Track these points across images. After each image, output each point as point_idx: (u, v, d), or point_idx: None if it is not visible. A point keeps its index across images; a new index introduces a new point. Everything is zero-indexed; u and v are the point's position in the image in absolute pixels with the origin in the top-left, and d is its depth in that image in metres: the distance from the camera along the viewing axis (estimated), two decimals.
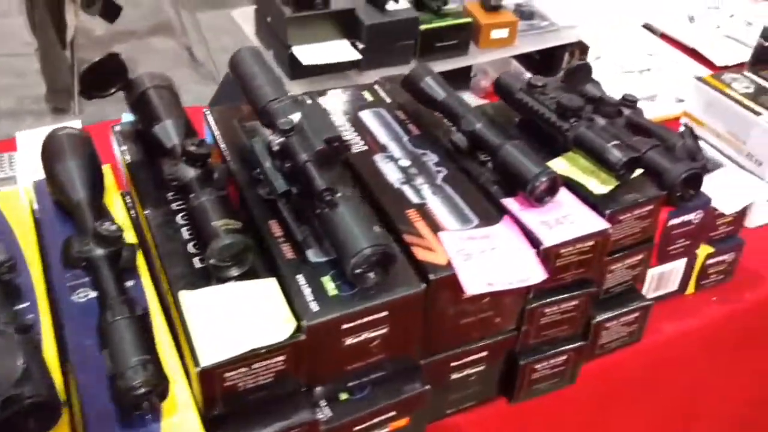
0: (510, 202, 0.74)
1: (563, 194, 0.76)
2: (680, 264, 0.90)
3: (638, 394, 0.94)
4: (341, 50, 0.97)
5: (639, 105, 0.90)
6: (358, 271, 0.60)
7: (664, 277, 0.90)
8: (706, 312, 0.94)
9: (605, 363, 0.85)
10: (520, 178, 0.73)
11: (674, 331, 0.91)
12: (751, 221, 1.07)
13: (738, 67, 1.28)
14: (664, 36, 1.58)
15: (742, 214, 0.92)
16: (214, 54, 2.90)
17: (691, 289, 0.94)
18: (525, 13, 1.19)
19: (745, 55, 1.35)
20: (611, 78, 1.41)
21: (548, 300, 0.73)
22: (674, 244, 0.86)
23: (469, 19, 1.06)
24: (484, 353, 0.74)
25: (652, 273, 0.88)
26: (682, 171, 0.81)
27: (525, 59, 1.26)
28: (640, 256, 0.81)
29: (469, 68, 1.22)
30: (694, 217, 0.85)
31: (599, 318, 0.80)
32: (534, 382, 0.79)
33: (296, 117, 0.66)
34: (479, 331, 0.72)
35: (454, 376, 0.73)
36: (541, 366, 0.78)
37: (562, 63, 1.20)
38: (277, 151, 0.65)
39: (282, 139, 0.65)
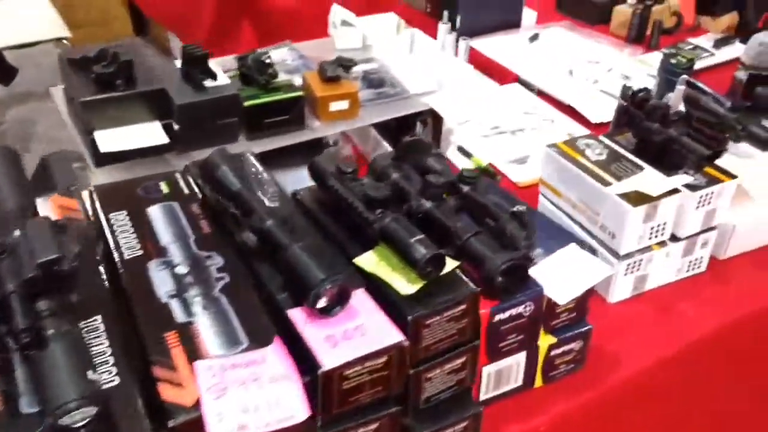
0: (296, 314, 0.65)
1: (360, 299, 0.67)
2: (520, 358, 0.82)
3: None
4: (150, 133, 0.88)
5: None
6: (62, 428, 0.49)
7: (503, 374, 0.81)
8: (554, 405, 0.85)
9: None
10: (303, 286, 0.64)
11: (519, 429, 0.83)
12: (612, 296, 1.00)
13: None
14: (541, 93, 1.54)
15: (584, 299, 0.84)
16: None
17: (539, 382, 0.86)
18: (374, 81, 1.13)
19: None
20: (479, 141, 1.36)
21: (338, 430, 0.63)
22: (505, 339, 0.78)
23: (299, 93, 0.98)
24: None
25: (489, 371, 0.80)
26: (500, 263, 0.73)
27: (383, 128, 1.20)
28: (461, 359, 0.73)
29: (319, 140, 1.14)
30: (523, 309, 0.77)
31: None
32: None
33: (16, 234, 0.56)
34: None
35: None
36: None
37: (415, 135, 1.13)
38: None
39: None
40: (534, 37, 1.74)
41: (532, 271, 0.81)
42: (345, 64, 1.16)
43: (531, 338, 0.81)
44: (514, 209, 0.84)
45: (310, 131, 1.01)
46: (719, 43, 1.76)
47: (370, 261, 0.73)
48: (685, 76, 1.27)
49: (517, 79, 1.59)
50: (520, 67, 1.62)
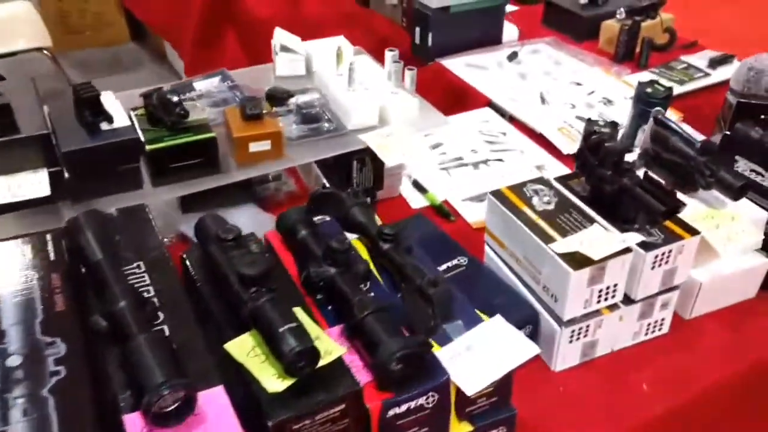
0: (133, 420, 0.56)
1: (214, 402, 0.58)
2: None
3: None
4: (33, 184, 0.80)
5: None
6: None
7: None
8: None
9: None
10: (141, 388, 0.55)
11: None
12: (557, 364, 0.90)
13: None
14: (513, 119, 1.43)
15: (507, 380, 0.74)
16: None
17: None
18: (308, 116, 1.03)
19: None
20: (438, 174, 1.25)
21: None
22: None
23: (209, 135, 0.89)
24: None
25: None
26: (395, 350, 0.63)
27: (325, 166, 1.10)
28: None
29: (249, 181, 1.05)
30: (425, 401, 0.67)
31: None
32: None
33: None
34: None
35: None
36: None
37: (353, 173, 1.03)
38: None
39: None
40: (512, 56, 1.63)
41: (444, 351, 0.71)
42: (279, 96, 1.07)
43: (439, 428, 0.70)
44: (429, 278, 0.74)
45: (225, 176, 0.92)
46: (715, 63, 1.63)
47: (242, 347, 0.63)
48: (659, 109, 1.15)
49: (489, 103, 1.48)
50: (493, 90, 1.51)
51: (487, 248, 0.99)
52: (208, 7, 2.54)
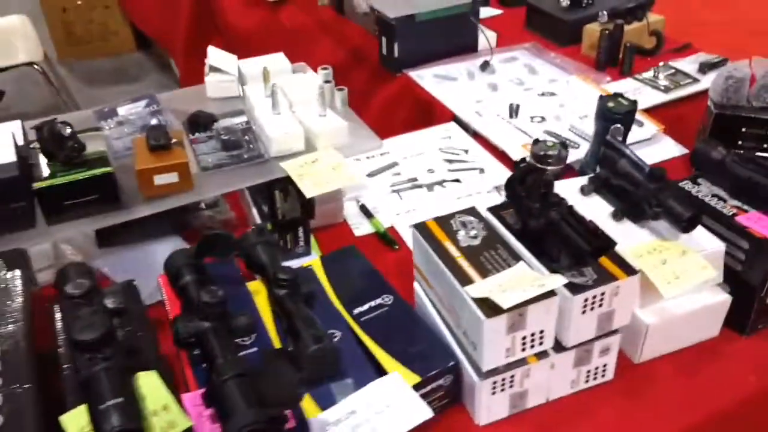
0: None
1: None
2: None
3: None
4: None
5: None
6: None
7: None
8: None
9: None
10: None
11: None
12: (480, 418, 0.81)
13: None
14: (477, 135, 1.34)
15: None
16: None
17: None
18: (228, 142, 0.96)
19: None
20: (388, 198, 1.18)
21: None
22: None
23: (106, 169, 0.82)
24: None
25: None
26: (241, 425, 0.56)
27: (255, 194, 1.03)
28: None
29: (179, 209, 0.98)
30: None
31: None
32: None
33: None
34: None
35: None
36: None
37: (276, 204, 0.96)
38: None
39: None
40: (485, 65, 1.54)
41: (325, 414, 0.64)
42: (201, 121, 1.00)
43: None
44: (314, 334, 0.66)
45: (127, 211, 0.86)
46: (706, 67, 1.52)
47: (76, 420, 0.57)
48: (617, 127, 1.05)
49: (453, 117, 1.40)
50: (459, 103, 1.42)
51: (416, 285, 0.91)
52: (196, 17, 2.50)
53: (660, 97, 1.44)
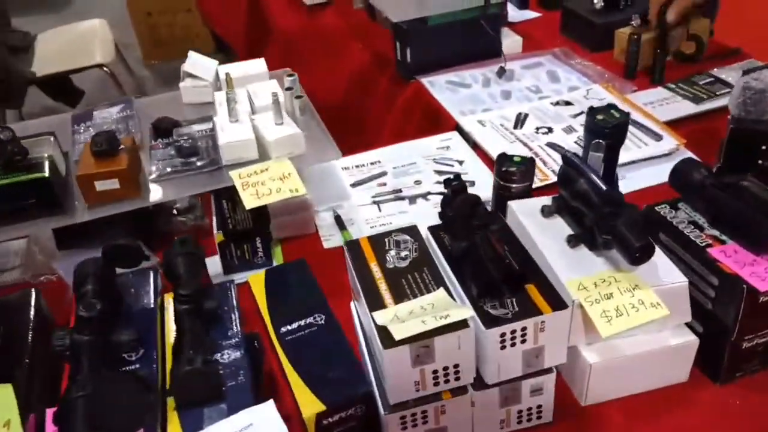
0: None
1: None
2: None
3: None
4: None
5: None
6: None
7: None
8: None
9: None
10: None
11: None
12: None
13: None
14: (477, 146, 1.27)
15: None
16: None
17: None
18: (184, 150, 0.95)
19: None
20: (366, 209, 1.13)
21: None
22: None
23: (40, 174, 0.83)
24: None
25: None
26: None
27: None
28: None
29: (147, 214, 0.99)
30: None
31: None
32: None
33: None
34: None
35: None
36: None
37: (225, 214, 0.93)
38: None
39: None
40: (501, 71, 1.45)
41: None
42: (164, 127, 1.00)
43: None
44: (189, 356, 0.64)
45: (67, 217, 0.86)
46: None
47: None
48: (599, 141, 0.96)
49: (456, 126, 1.33)
50: (464, 111, 1.36)
51: (352, 306, 0.86)
52: (252, 22, 2.54)
53: (688, 109, 1.31)
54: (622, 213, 0.76)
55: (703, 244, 0.79)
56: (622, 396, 0.80)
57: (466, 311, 0.67)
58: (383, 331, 0.68)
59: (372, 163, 1.25)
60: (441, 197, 1.16)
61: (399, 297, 0.73)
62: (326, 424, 0.74)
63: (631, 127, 1.26)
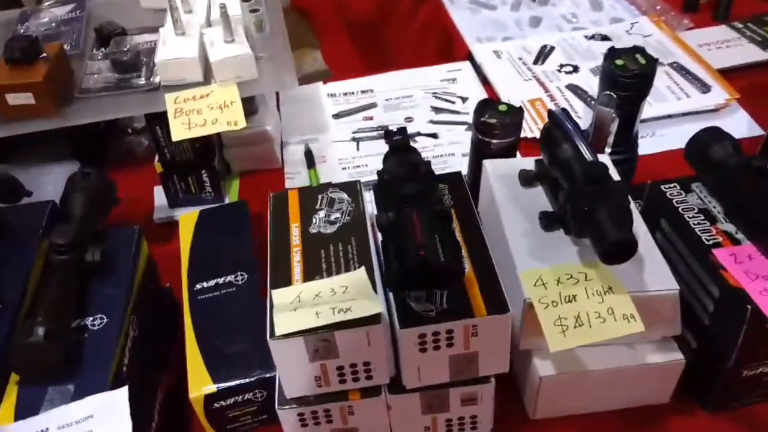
0: None
1: None
2: None
3: None
4: None
5: None
6: None
7: None
8: None
9: None
10: None
11: None
12: None
13: None
14: (487, 82, 1.08)
15: None
16: None
17: None
18: (122, 64, 0.82)
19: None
20: (343, 145, 0.99)
21: None
22: None
23: None
24: None
25: None
26: None
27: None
28: None
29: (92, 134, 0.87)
30: None
31: None
32: None
33: None
34: None
35: None
36: None
37: (161, 143, 0.80)
38: None
39: None
40: None
41: (13, 427, 0.51)
42: (105, 34, 0.87)
43: None
44: (30, 324, 0.53)
45: None
46: None
47: None
48: (609, 93, 0.77)
49: (468, 55, 1.14)
50: (481, 38, 1.16)
51: None
52: None
53: (753, 55, 1.08)
54: (605, 193, 0.59)
55: (711, 241, 0.62)
56: (583, 413, 0.66)
57: (373, 306, 0.54)
58: (283, 315, 0.56)
59: (363, 92, 1.09)
60: (432, 139, 1.01)
61: (311, 272, 0.60)
62: (218, 408, 0.64)
63: (674, 73, 1.06)
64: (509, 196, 0.69)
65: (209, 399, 0.62)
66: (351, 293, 0.57)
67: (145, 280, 0.69)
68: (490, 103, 0.75)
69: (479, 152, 0.77)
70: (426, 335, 0.55)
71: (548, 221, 0.64)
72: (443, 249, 0.53)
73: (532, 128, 0.97)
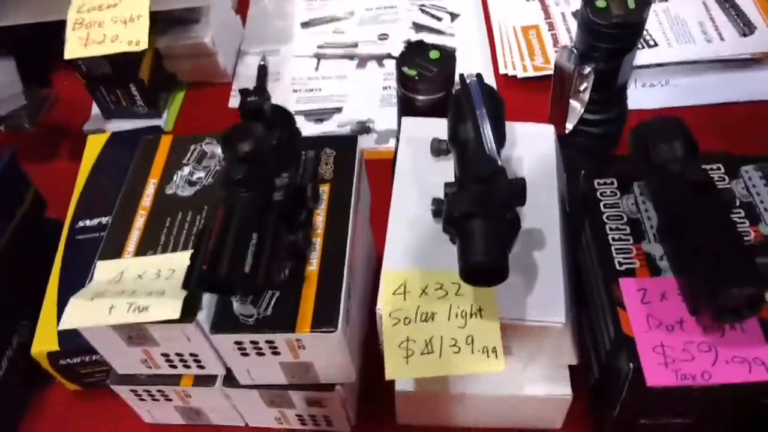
0: None
1: None
2: None
3: None
4: None
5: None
6: None
7: None
8: None
9: None
10: None
11: None
12: (146, 417, 0.61)
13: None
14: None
15: None
16: None
17: None
18: None
19: None
20: (301, 61, 0.87)
21: None
22: None
23: None
24: None
25: None
26: None
27: None
28: None
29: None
30: None
31: None
32: None
33: None
34: None
35: None
36: None
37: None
38: None
39: None
40: None
41: None
42: None
43: None
44: None
45: None
46: None
47: None
48: (570, 48, 0.61)
49: None
50: None
51: None
52: None
53: None
54: (488, 199, 0.47)
55: (625, 266, 0.50)
56: (455, 425, 0.59)
57: (170, 309, 0.47)
58: (96, 296, 0.50)
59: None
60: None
61: (145, 245, 0.53)
62: (65, 365, 0.60)
63: (713, 5, 0.86)
64: (413, 168, 0.57)
65: (53, 356, 0.59)
66: (173, 281, 0.50)
67: (14, 211, 0.64)
68: (419, 47, 0.62)
69: (405, 108, 0.64)
70: (243, 342, 0.48)
71: (439, 211, 0.53)
72: (238, 259, 0.44)
73: (516, 64, 0.82)
